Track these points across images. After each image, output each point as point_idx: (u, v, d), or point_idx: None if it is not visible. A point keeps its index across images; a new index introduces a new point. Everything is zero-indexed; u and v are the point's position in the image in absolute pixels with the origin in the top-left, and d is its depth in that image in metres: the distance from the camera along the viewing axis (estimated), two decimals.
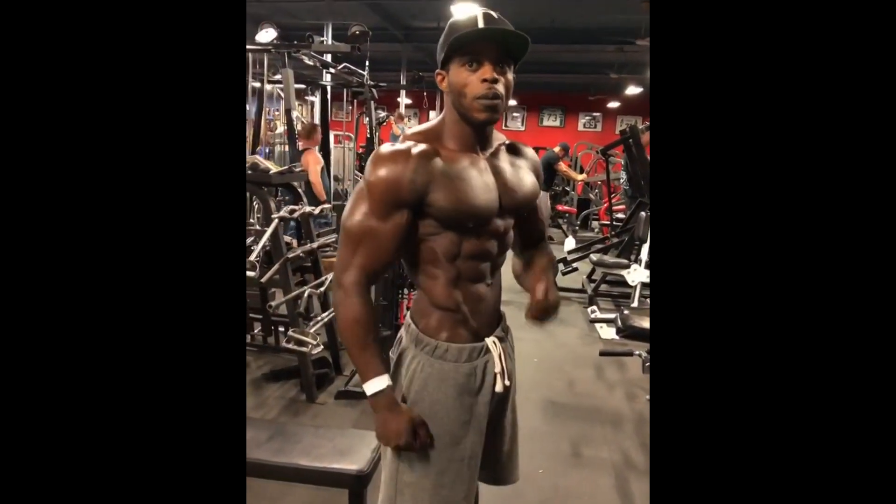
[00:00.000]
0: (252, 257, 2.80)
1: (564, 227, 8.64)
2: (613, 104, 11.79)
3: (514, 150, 1.29)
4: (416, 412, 1.18)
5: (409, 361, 1.22)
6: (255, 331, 3.45)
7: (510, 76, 1.15)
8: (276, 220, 2.92)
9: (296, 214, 3.12)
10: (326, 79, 6.39)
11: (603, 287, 5.14)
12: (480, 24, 1.10)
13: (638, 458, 2.61)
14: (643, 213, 4.77)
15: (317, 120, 6.44)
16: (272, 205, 3.12)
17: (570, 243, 5.72)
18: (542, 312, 1.28)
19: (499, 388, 1.24)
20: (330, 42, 6.84)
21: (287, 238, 3.35)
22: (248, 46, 4.43)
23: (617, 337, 2.51)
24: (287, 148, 5.32)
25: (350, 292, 1.14)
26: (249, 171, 3.11)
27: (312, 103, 8.14)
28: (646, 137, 5.37)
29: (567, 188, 9.71)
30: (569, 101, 12.51)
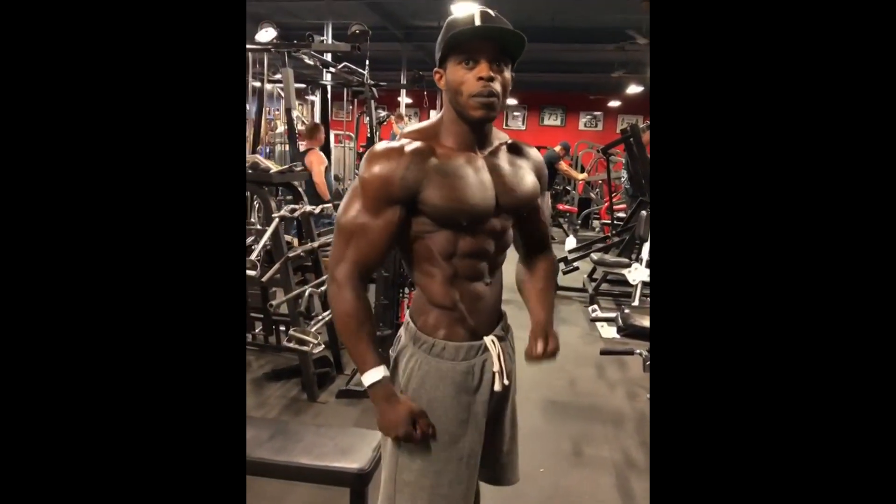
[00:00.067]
0: (253, 256, 2.81)
1: (565, 226, 8.64)
2: (614, 103, 11.78)
3: (516, 150, 1.29)
4: (415, 403, 1.19)
5: (408, 359, 1.23)
6: (257, 330, 3.45)
7: (507, 74, 1.15)
8: (277, 220, 2.93)
9: (296, 214, 3.12)
10: (327, 78, 6.39)
11: (604, 286, 5.14)
12: (477, 23, 1.10)
13: (639, 457, 2.61)
14: (644, 212, 4.77)
15: (317, 119, 6.44)
16: (273, 204, 3.13)
17: (570, 242, 5.73)
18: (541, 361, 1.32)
19: (497, 387, 1.24)
20: (330, 41, 6.84)
21: (288, 237, 3.36)
22: (248, 46, 4.43)
23: (618, 336, 2.51)
24: (287, 147, 5.32)
25: (343, 286, 1.15)
26: (250, 171, 3.11)
27: (313, 103, 8.15)
28: (646, 136, 5.37)
29: (568, 187, 9.70)
30: (569, 101, 12.50)
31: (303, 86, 8.22)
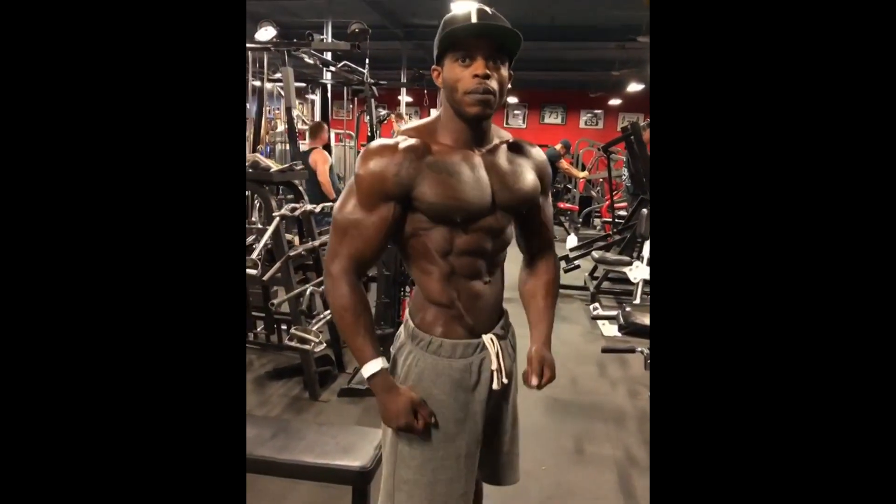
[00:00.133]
0: (254, 255, 2.81)
1: (566, 224, 8.64)
2: (615, 101, 11.76)
3: (517, 149, 1.28)
4: (415, 393, 1.19)
5: (406, 356, 1.23)
6: (258, 329, 3.46)
7: (504, 72, 1.15)
8: (278, 219, 2.93)
9: (297, 212, 3.12)
10: (327, 77, 6.38)
11: (605, 284, 5.15)
12: (473, 20, 1.11)
13: (640, 455, 2.61)
14: (645, 211, 4.77)
15: (317, 118, 6.44)
16: (273, 203, 3.13)
17: (571, 241, 5.72)
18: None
19: (496, 385, 1.24)
20: (330, 40, 6.82)
21: (289, 236, 3.36)
22: (247, 45, 4.43)
23: (619, 334, 2.51)
24: (288, 146, 5.32)
25: (338, 281, 1.17)
26: (250, 170, 3.11)
27: (313, 102, 8.14)
28: (647, 134, 5.37)
29: (569, 185, 9.70)
30: (570, 99, 12.48)
31: (303, 85, 8.22)
